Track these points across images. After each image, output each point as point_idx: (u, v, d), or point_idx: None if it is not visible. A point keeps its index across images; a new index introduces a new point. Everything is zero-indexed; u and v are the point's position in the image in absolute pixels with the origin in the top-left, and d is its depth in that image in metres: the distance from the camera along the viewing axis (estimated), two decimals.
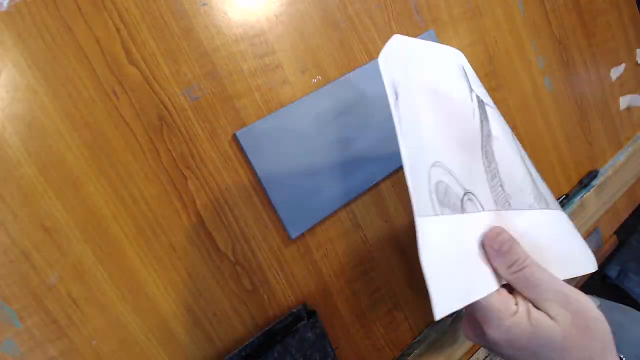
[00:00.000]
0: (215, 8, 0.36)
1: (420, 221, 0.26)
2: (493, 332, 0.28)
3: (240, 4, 0.37)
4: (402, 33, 0.46)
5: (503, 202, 0.32)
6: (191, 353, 0.35)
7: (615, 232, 0.70)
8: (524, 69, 0.57)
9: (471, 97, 0.32)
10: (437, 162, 0.30)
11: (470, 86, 0.33)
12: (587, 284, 0.67)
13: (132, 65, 0.33)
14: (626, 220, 0.71)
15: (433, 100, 0.30)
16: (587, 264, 0.35)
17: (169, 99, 0.34)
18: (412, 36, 0.46)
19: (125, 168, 0.33)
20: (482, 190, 0.31)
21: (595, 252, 0.65)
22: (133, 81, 0.33)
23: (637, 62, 0.74)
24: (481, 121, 0.32)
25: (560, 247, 0.34)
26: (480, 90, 0.34)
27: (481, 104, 0.33)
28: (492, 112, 0.34)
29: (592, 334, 0.28)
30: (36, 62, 0.30)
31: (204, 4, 0.36)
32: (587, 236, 0.64)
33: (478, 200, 0.31)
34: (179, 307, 0.34)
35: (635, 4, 0.74)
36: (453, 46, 0.49)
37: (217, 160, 0.36)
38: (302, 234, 0.40)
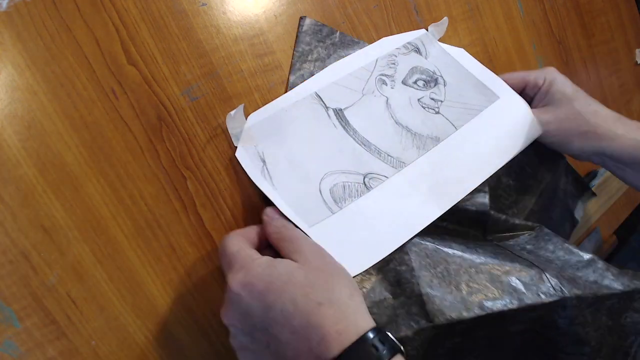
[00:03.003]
0: (215, 8, 0.36)
1: (311, 229, 0.35)
2: (234, 277, 0.28)
3: (240, 4, 0.37)
4: (401, 33, 0.46)
5: (398, 164, 0.41)
6: (190, 353, 0.35)
7: (615, 232, 0.70)
8: (523, 68, 0.57)
9: (328, 114, 0.40)
10: (326, 173, 0.38)
11: (325, 106, 0.40)
12: None
13: (131, 66, 0.33)
14: (626, 220, 0.71)
15: (299, 138, 0.39)
16: (531, 132, 0.45)
17: (168, 99, 0.34)
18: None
19: (124, 168, 0.33)
20: (378, 166, 0.40)
21: (595, 252, 0.66)
22: (132, 81, 0.33)
23: (636, 62, 0.74)
24: (343, 127, 0.40)
25: (474, 155, 0.43)
26: (340, 96, 0.41)
27: (339, 113, 0.41)
28: (354, 110, 0.41)
29: (337, 280, 0.29)
30: (35, 63, 0.30)
31: (203, 4, 0.36)
32: (587, 236, 0.64)
33: (380, 175, 0.40)
34: (178, 307, 0.34)
35: (635, 4, 0.74)
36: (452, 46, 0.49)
37: (217, 161, 0.36)
38: None
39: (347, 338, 0.25)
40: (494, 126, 0.45)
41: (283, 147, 0.38)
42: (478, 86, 0.47)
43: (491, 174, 0.43)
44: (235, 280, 0.28)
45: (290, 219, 0.35)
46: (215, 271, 0.36)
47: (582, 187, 0.56)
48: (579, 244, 0.62)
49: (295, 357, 0.26)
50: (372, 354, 0.25)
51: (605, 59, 0.68)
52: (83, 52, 0.31)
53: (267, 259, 0.29)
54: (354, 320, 0.26)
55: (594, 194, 0.57)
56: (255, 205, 0.38)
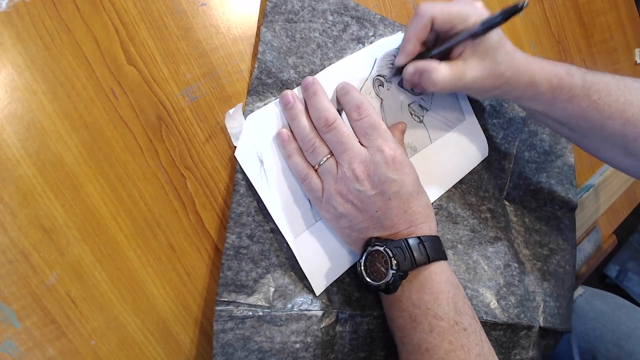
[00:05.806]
0: (214, 8, 0.36)
1: (296, 240, 0.37)
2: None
3: (239, 4, 0.38)
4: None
5: None
6: (190, 353, 0.35)
7: (615, 232, 0.70)
8: None
9: None
10: None
11: None
12: (587, 284, 0.67)
13: (130, 66, 0.33)
14: (625, 220, 0.71)
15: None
16: (482, 153, 0.50)
17: (167, 99, 0.34)
18: None
19: (124, 168, 0.33)
20: None
21: (595, 251, 0.66)
22: (132, 81, 0.33)
23: (635, 61, 0.74)
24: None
25: (437, 171, 0.46)
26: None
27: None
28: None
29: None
30: (35, 62, 0.30)
31: (203, 4, 0.36)
32: (587, 236, 0.64)
33: None
34: (177, 307, 0.34)
35: (634, 4, 0.74)
36: None
37: (216, 160, 0.36)
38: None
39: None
40: (457, 147, 0.47)
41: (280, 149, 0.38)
42: (454, 103, 0.48)
43: (444, 191, 0.46)
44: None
45: (278, 225, 0.36)
46: (214, 270, 0.36)
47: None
48: (578, 244, 0.62)
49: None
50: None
51: (604, 58, 0.69)
52: (82, 52, 0.31)
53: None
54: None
55: None
56: (254, 204, 0.38)
